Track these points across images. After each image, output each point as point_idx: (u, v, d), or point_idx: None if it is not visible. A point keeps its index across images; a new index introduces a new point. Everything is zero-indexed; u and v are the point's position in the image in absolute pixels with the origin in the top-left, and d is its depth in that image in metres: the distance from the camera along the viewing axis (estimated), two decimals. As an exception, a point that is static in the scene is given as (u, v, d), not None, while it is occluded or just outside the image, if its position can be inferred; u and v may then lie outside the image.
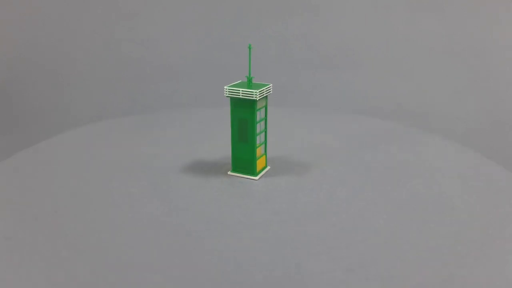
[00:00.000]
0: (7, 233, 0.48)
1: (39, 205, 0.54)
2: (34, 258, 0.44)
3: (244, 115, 0.60)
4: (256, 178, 0.62)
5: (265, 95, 0.60)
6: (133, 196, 0.57)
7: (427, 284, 0.41)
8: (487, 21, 1.63)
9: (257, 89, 0.58)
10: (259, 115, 0.61)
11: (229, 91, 0.58)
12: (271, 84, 0.61)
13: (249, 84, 0.60)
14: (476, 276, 0.42)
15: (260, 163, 0.63)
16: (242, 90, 0.58)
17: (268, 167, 0.66)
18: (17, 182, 0.60)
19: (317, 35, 1.70)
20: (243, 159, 0.62)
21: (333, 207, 0.54)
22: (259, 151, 0.63)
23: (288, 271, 0.42)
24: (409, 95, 1.59)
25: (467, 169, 0.66)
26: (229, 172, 0.64)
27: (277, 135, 0.79)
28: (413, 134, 0.81)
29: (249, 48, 0.59)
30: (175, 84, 1.67)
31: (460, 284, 0.41)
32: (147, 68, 1.71)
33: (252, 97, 0.57)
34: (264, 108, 0.62)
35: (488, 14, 1.63)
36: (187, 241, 0.47)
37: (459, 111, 1.54)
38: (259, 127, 0.62)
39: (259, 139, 0.62)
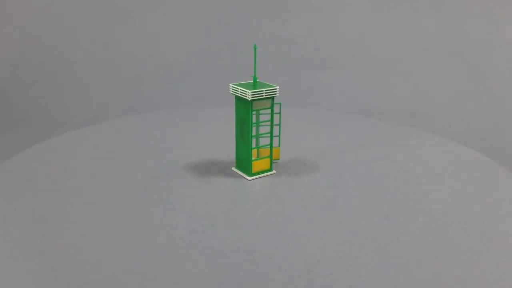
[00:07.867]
0: (7, 234, 0.48)
1: (38, 205, 0.54)
2: (32, 257, 0.44)
3: (244, 115, 0.60)
4: (249, 178, 0.62)
5: (264, 97, 0.58)
6: (133, 196, 0.57)
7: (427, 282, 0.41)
8: (487, 21, 1.63)
9: (251, 90, 0.57)
10: (261, 116, 0.61)
11: (233, 89, 0.59)
12: (277, 86, 0.59)
13: (254, 84, 0.60)
14: (473, 275, 0.42)
15: (259, 164, 0.63)
16: (240, 89, 0.58)
17: (273, 171, 0.64)
18: (17, 182, 0.60)
19: (318, 35, 1.70)
20: (243, 158, 0.62)
21: (329, 209, 0.54)
22: (260, 152, 0.63)
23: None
24: (409, 95, 1.59)
25: (467, 169, 0.66)
26: (233, 168, 0.65)
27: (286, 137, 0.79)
28: (413, 134, 0.81)
29: (254, 48, 0.58)
30: (175, 84, 1.68)
31: (457, 283, 0.41)
32: (147, 68, 1.71)
33: (246, 97, 0.57)
34: (270, 110, 0.60)
35: (488, 14, 1.63)
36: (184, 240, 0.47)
37: (459, 111, 1.54)
38: (263, 128, 0.61)
39: (263, 140, 0.62)
